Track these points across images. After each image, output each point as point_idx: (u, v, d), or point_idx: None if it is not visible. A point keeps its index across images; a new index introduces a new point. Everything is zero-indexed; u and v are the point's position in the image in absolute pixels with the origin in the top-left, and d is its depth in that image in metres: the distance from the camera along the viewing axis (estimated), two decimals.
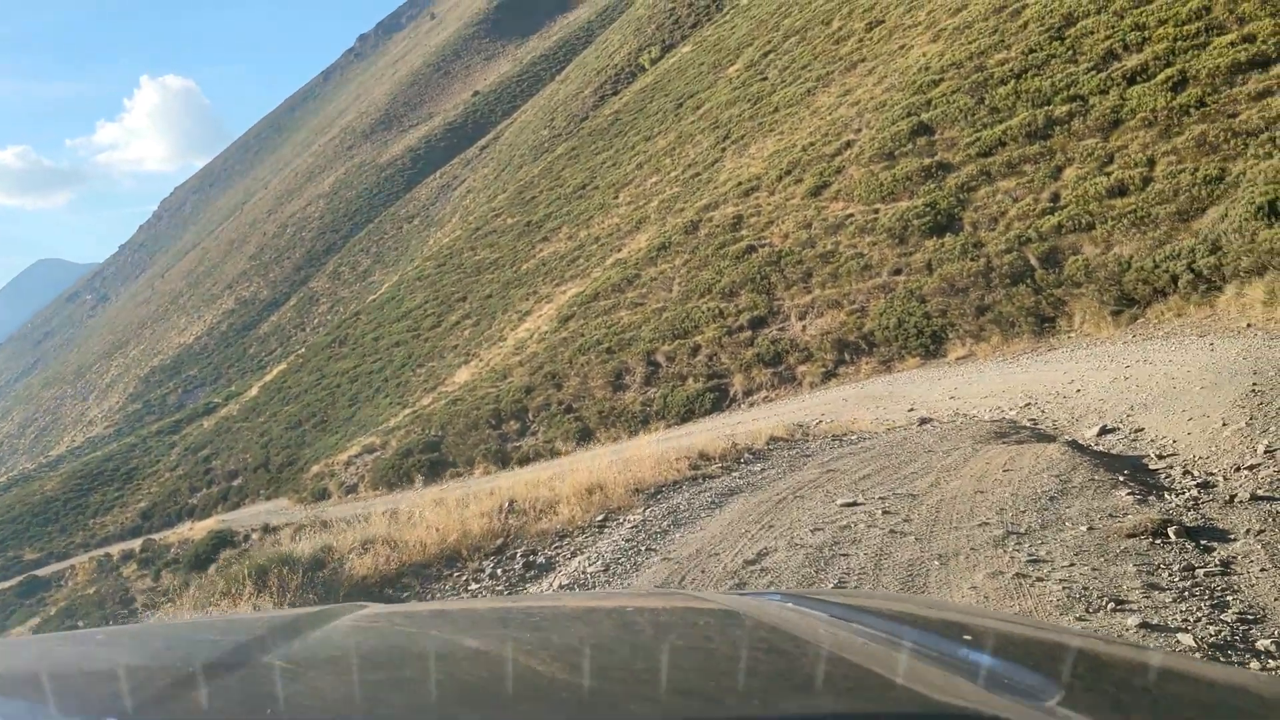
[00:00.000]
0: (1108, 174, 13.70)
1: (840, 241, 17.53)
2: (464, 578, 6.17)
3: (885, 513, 5.52)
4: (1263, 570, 3.91)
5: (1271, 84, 12.81)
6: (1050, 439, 7.50)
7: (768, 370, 16.17)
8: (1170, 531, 4.36)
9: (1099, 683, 1.33)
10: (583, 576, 5.53)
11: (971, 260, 14.44)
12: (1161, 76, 14.39)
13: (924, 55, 21.74)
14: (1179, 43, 14.75)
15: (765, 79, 31.61)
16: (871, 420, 10.26)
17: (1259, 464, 5.44)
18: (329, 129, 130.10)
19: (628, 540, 6.10)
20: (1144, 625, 3.40)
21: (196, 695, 1.11)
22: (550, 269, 31.18)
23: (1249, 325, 10.03)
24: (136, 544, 26.83)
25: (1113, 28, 16.43)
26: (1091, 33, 16.85)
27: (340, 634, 1.49)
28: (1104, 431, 7.57)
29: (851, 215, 18.04)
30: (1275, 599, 3.61)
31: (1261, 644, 3.22)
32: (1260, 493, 4.97)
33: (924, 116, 18.68)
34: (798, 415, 11.97)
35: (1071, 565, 4.12)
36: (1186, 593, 3.69)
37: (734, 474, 7.93)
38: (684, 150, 32.10)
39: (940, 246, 15.29)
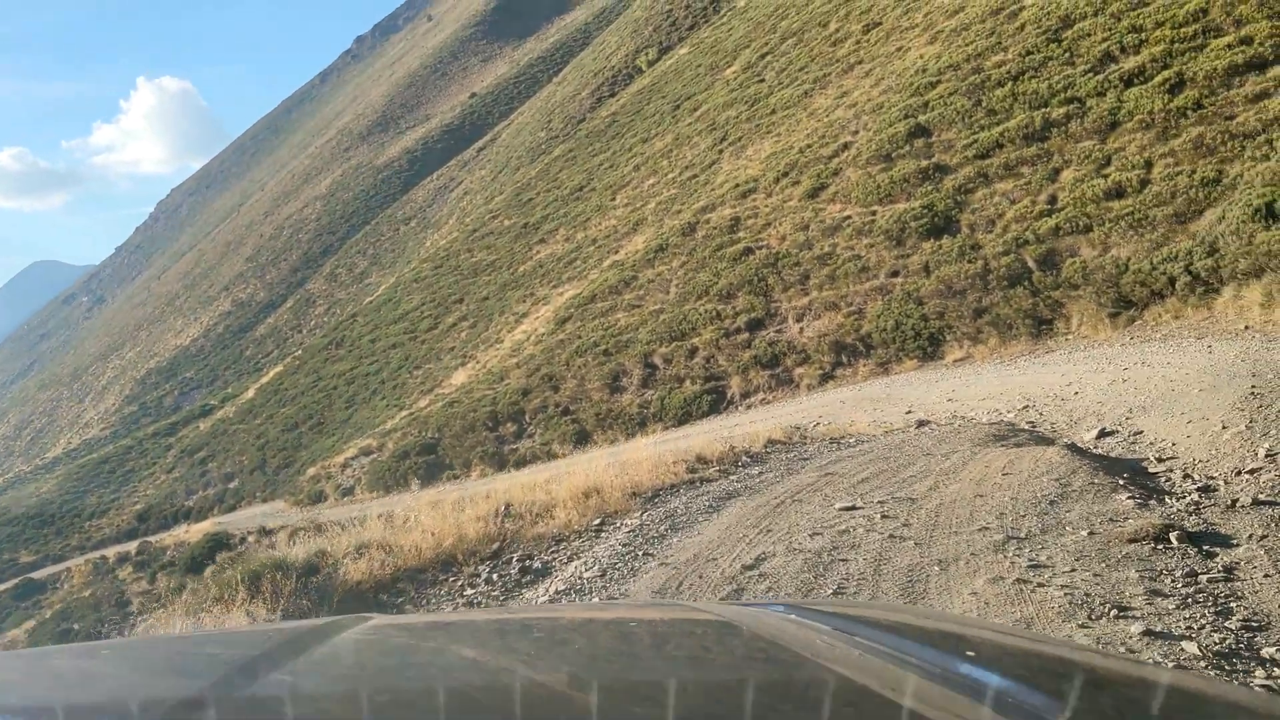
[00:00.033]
0: (1105, 176, 13.68)
1: (837, 243, 17.50)
2: (459, 583, 6.12)
3: (884, 517, 5.47)
4: (1266, 576, 3.87)
5: (1268, 86, 12.80)
6: (1049, 442, 7.47)
7: (765, 372, 16.14)
8: (1172, 537, 4.32)
9: (1103, 703, 1.31)
10: (579, 582, 5.48)
11: (969, 262, 14.42)
12: (1159, 79, 14.39)
13: (921, 57, 21.73)
14: (1176, 45, 14.75)
15: (762, 81, 31.60)
16: (869, 423, 10.23)
17: (1260, 468, 5.41)
18: (326, 131, 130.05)
19: (625, 545, 6.05)
20: (1147, 633, 3.35)
21: (206, 718, 1.11)
22: (547, 271, 31.13)
23: (1247, 327, 10.01)
24: (132, 546, 26.75)
25: (1110, 30, 16.43)
26: (1089, 35, 16.84)
27: (346, 650, 1.47)
28: (1103, 434, 7.53)
29: (849, 217, 18.02)
30: None
31: (1267, 652, 3.18)
32: (1262, 497, 4.93)
33: (921, 118, 18.67)
34: (795, 417, 11.93)
35: (1073, 571, 4.08)
36: (1190, 599, 3.65)
37: (731, 477, 7.89)
38: (681, 152, 32.08)
39: (938, 248, 15.27)
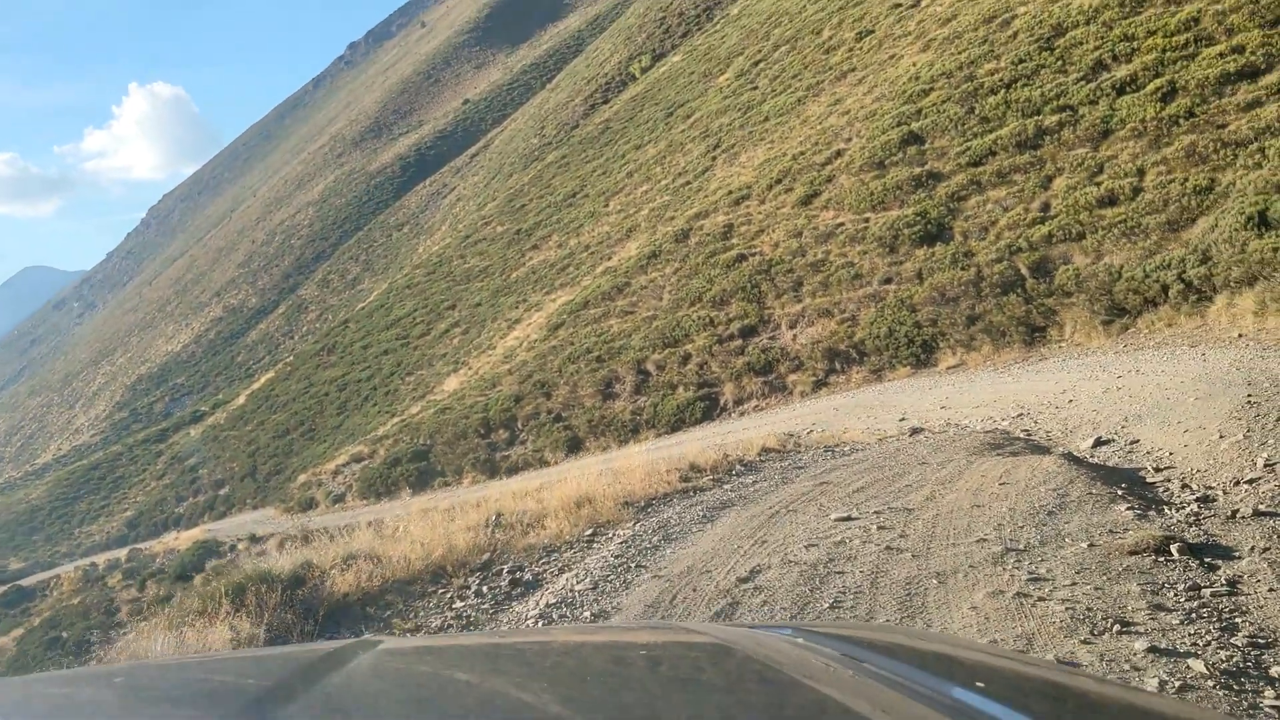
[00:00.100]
0: (1098, 184, 13.68)
1: (831, 250, 17.47)
2: (449, 595, 6.02)
3: (880, 528, 5.40)
4: (1271, 590, 3.80)
5: (1260, 94, 12.82)
6: (1045, 451, 7.41)
7: (758, 379, 16.08)
8: (1173, 549, 4.25)
9: None
10: (570, 595, 5.38)
11: (962, 269, 14.39)
12: (1151, 87, 14.41)
13: (914, 65, 21.75)
14: (1168, 53, 14.78)
15: (756, 88, 31.63)
16: (863, 430, 10.16)
17: (1259, 478, 5.35)
18: (319, 137, 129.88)
19: (617, 556, 5.96)
20: (1152, 649, 3.28)
21: None
22: (540, 277, 31.05)
23: (1240, 335, 9.99)
24: (122, 553, 26.51)
25: (1102, 38, 16.45)
26: (1081, 43, 16.87)
27: (364, 678, 1.41)
28: (1099, 443, 7.47)
29: (842, 224, 17.99)
30: None
31: (1275, 670, 3.11)
32: (1263, 508, 4.87)
33: (914, 126, 18.67)
34: (789, 424, 11.86)
35: (1073, 584, 4.01)
36: (1194, 614, 3.58)
37: (725, 486, 7.80)
38: (674, 159, 32.06)
39: (931, 255, 15.24)
